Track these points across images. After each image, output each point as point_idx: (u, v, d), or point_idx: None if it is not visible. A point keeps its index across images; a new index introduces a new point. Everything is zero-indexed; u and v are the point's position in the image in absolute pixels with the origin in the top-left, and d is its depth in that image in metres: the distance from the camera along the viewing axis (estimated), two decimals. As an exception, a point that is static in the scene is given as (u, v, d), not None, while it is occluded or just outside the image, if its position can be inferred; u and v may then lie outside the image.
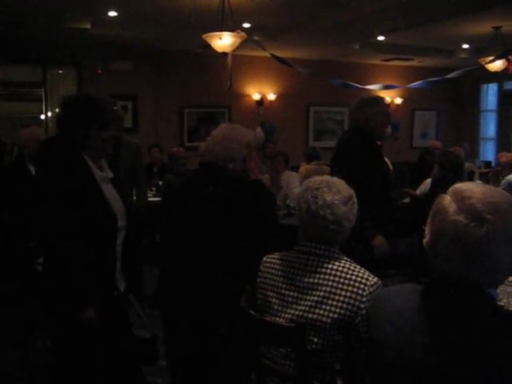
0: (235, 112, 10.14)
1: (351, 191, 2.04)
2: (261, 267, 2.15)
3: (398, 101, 11.50)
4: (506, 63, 7.92)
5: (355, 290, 1.89)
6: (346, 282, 1.91)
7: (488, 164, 10.73)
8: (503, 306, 2.29)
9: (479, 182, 7.12)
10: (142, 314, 2.94)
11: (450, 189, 1.34)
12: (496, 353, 1.23)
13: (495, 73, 8.40)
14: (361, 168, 3.41)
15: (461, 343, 1.25)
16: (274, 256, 2.14)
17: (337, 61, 10.37)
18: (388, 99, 11.33)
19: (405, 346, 1.33)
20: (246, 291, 2.23)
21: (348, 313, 1.88)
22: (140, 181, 5.11)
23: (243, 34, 5.63)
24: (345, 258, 2.01)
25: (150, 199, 6.31)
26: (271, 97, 10.35)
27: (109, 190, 2.46)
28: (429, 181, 6.24)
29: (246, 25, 6.62)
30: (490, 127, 12.16)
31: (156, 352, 2.77)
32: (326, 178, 2.06)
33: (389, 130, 11.17)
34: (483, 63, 7.39)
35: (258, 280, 2.14)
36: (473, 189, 1.30)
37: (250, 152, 2.68)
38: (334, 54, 9.92)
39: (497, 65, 7.96)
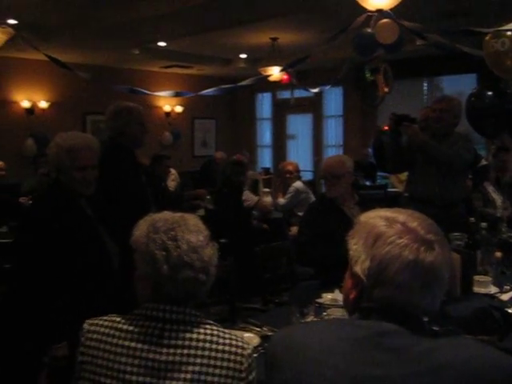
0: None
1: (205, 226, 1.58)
2: (82, 339, 1.51)
3: (179, 109, 11.36)
4: (284, 74, 8.24)
5: (232, 365, 1.40)
6: (219, 356, 1.41)
7: (267, 170, 11.11)
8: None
9: (267, 189, 7.23)
10: None
11: (372, 215, 1.27)
12: None
13: (270, 82, 8.70)
14: (121, 182, 3.25)
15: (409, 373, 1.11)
16: (101, 322, 1.52)
17: (117, 67, 9.86)
18: (168, 108, 11.14)
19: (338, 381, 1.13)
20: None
21: None
22: None
23: (10, 29, 4.84)
24: (207, 320, 1.50)
25: None
26: (43, 104, 9.36)
27: None
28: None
29: (12, 21, 5.75)
30: (265, 135, 12.71)
31: None
32: (174, 213, 1.55)
33: (169, 138, 11.07)
34: (263, 73, 7.56)
35: (80, 359, 1.50)
36: (400, 212, 1.26)
37: None
38: (113, 60, 9.36)
39: (276, 75, 8.25)
